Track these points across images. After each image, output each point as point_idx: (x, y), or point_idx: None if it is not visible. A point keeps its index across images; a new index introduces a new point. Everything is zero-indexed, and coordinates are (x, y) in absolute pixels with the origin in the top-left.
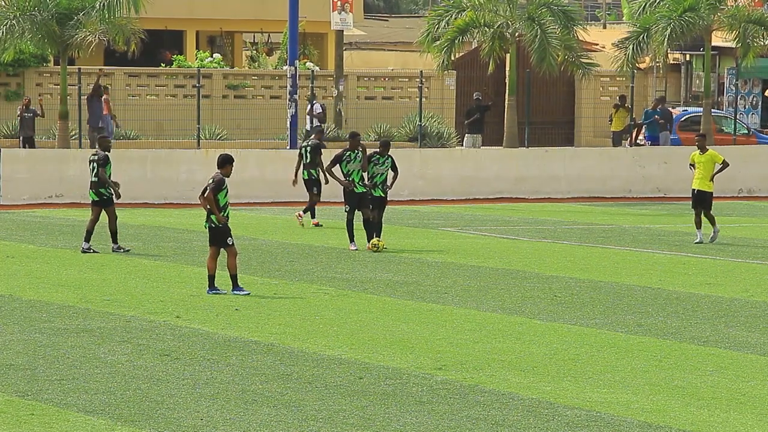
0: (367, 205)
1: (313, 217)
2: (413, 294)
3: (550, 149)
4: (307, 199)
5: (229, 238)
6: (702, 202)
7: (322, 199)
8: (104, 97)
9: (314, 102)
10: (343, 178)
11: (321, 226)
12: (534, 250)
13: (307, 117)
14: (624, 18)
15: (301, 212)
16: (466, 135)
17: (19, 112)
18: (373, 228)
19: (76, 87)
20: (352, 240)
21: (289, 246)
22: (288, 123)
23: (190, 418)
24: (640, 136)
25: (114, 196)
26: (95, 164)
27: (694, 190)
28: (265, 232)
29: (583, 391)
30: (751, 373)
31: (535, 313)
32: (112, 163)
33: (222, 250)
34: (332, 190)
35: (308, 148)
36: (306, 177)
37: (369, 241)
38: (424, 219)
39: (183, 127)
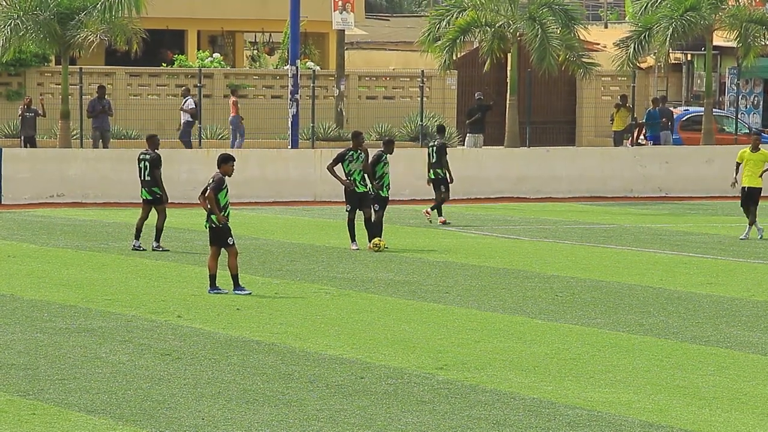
0: (368, 205)
1: (440, 215)
2: (414, 294)
3: (552, 149)
4: (307, 199)
5: (230, 238)
6: (751, 198)
7: (324, 199)
8: (233, 99)
9: (187, 97)
10: (344, 178)
11: (449, 223)
12: (535, 250)
13: (181, 113)
14: (627, 17)
15: (429, 209)
16: (468, 134)
17: (20, 112)
18: (375, 228)
19: (78, 87)
20: (353, 240)
21: (291, 246)
22: (289, 122)
23: (191, 417)
24: (641, 136)
25: (164, 197)
26: (146, 163)
27: (744, 187)
28: (267, 232)
29: (584, 390)
30: (752, 373)
31: (536, 313)
32: (117, 163)
33: (223, 249)
34: (334, 189)
35: (434, 148)
36: (432, 176)
37: (370, 241)
38: (425, 219)
39: None
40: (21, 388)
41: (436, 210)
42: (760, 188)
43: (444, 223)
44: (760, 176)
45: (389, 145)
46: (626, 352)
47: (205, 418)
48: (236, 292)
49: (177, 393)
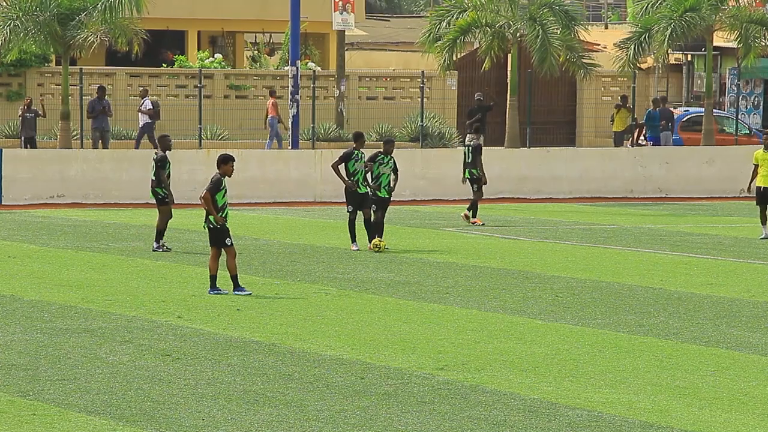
0: (369, 206)
1: (474, 215)
2: (415, 294)
3: (552, 149)
4: (308, 199)
5: (228, 239)
6: (767, 198)
7: (324, 200)
8: (272, 101)
9: (145, 98)
10: (347, 178)
11: (483, 225)
12: (536, 251)
13: (139, 114)
14: (628, 18)
15: (466, 211)
16: (468, 135)
17: (20, 113)
18: (375, 228)
19: (78, 87)
20: (353, 240)
21: (291, 246)
22: (289, 123)
23: (191, 418)
24: (641, 137)
25: (168, 199)
26: (154, 163)
27: (759, 187)
28: (267, 233)
29: (584, 391)
30: (752, 374)
31: (536, 314)
32: (117, 163)
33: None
34: (335, 190)
35: (470, 148)
36: (468, 176)
37: (370, 242)
38: (425, 219)
39: (184, 128)
40: (21, 388)
41: (471, 211)
42: None
43: (475, 223)
44: None
45: (387, 145)
46: (626, 352)
47: (205, 418)
48: (236, 292)
49: (177, 393)
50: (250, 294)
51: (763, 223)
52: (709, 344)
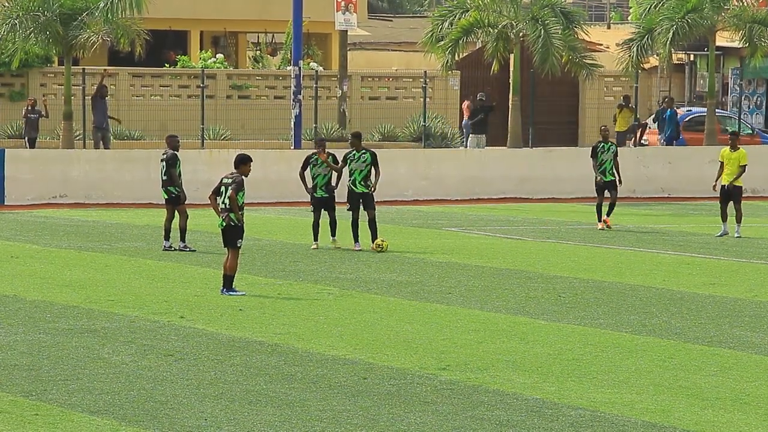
0: (372, 206)
1: (608, 214)
2: (417, 294)
3: (554, 149)
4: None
5: (239, 240)
6: (730, 196)
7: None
8: (466, 103)
9: None
10: (347, 179)
11: (607, 229)
12: (538, 251)
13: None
14: (630, 18)
15: (606, 217)
16: (470, 135)
17: (24, 113)
18: (375, 228)
19: (80, 87)
20: (356, 240)
21: (293, 246)
22: (292, 123)
23: (194, 418)
24: (645, 136)
25: (182, 197)
26: (163, 163)
27: (723, 185)
28: (269, 233)
29: (587, 391)
30: (755, 374)
31: (539, 314)
32: (119, 164)
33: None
34: (337, 191)
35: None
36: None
37: (373, 242)
38: (428, 219)
39: (187, 128)
40: (24, 388)
41: (609, 214)
42: None
43: (607, 226)
44: None
45: (356, 140)
46: (629, 352)
47: (208, 418)
48: (229, 293)
49: (180, 394)
50: (244, 294)
51: (724, 220)
52: (711, 344)
